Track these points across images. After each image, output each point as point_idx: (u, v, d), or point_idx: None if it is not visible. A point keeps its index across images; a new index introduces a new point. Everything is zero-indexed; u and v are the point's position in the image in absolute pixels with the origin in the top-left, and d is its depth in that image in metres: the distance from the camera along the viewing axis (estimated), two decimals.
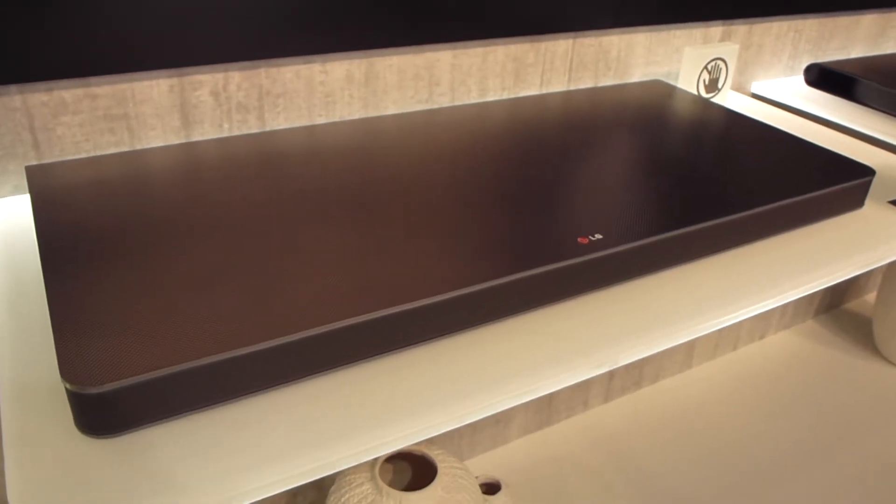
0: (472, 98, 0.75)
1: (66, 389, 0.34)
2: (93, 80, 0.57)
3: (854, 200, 0.62)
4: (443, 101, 0.74)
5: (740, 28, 0.90)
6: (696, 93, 0.82)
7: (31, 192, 0.50)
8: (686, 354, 1.16)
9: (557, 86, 0.80)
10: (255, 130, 0.65)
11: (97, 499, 0.33)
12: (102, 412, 0.35)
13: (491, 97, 0.76)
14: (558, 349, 0.44)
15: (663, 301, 0.49)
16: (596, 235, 0.50)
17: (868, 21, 1.02)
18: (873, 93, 0.87)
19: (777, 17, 0.92)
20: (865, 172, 0.61)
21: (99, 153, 0.59)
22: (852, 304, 1.35)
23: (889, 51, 1.08)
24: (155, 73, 0.59)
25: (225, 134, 0.64)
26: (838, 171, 0.61)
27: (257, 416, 0.37)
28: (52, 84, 0.56)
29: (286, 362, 0.39)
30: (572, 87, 0.81)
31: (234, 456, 0.35)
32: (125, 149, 0.60)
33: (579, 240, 0.49)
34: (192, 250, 0.45)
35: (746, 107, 0.87)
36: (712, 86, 0.83)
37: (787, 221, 0.58)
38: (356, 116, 0.70)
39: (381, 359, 0.42)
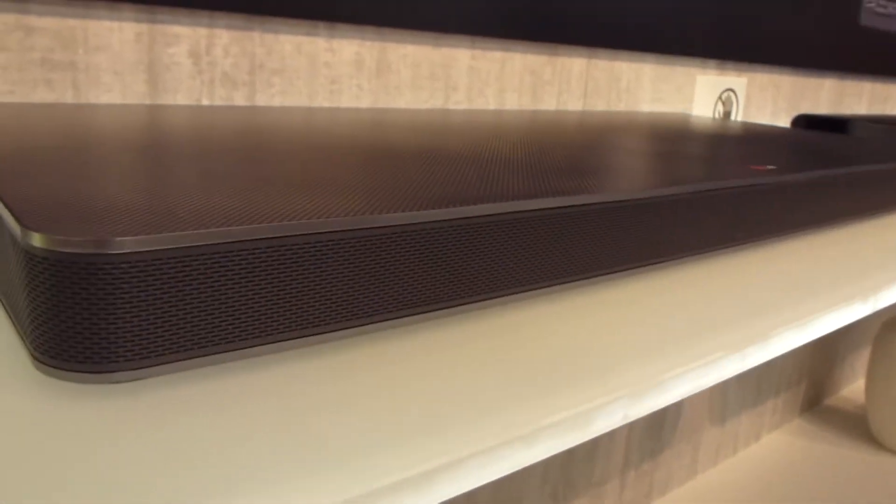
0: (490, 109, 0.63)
1: (35, 255, 0.15)
2: (32, 4, 0.40)
3: None
4: (459, 109, 0.61)
5: (731, 75, 0.85)
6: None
7: None
8: (692, 459, 1.00)
9: (573, 108, 0.70)
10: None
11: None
12: (116, 311, 0.16)
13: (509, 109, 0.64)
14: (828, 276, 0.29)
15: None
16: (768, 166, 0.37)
17: (829, 85, 1.02)
18: (865, 130, 0.83)
19: (761, 66, 0.89)
20: None
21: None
22: (832, 401, 1.27)
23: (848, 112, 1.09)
24: (119, 9, 0.43)
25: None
26: None
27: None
28: None
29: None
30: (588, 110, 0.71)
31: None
32: None
33: (752, 167, 0.36)
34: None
35: None
36: (726, 118, 0.76)
37: None
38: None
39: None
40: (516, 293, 0.22)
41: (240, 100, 0.49)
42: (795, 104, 0.98)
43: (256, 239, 0.17)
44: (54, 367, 0.16)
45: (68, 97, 0.42)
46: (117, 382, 0.16)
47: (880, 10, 1.05)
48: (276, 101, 0.50)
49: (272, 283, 0.17)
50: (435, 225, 0.20)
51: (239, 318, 0.17)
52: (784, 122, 0.97)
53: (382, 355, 0.19)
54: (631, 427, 0.88)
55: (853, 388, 1.35)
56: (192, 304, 0.16)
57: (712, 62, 0.82)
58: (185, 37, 0.46)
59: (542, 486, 0.79)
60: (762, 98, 0.91)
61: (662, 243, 0.27)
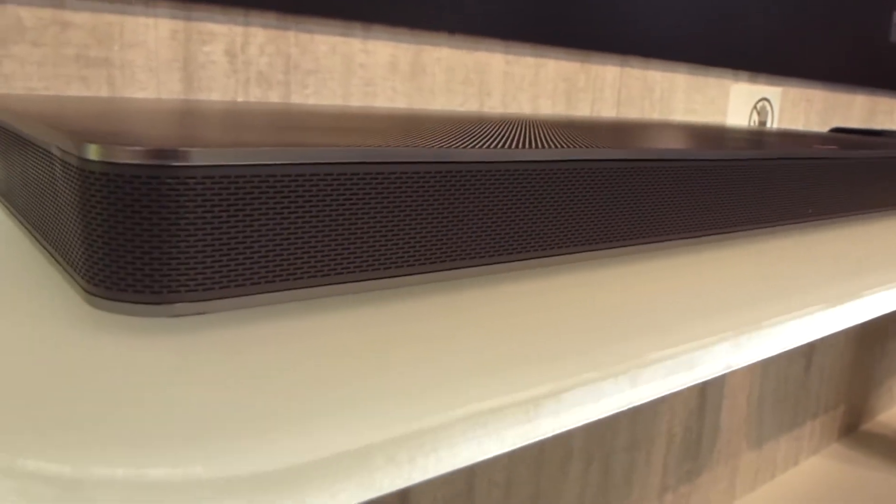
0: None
1: (90, 171, 0.14)
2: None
3: None
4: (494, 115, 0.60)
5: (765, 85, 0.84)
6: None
7: None
8: (729, 482, 0.97)
9: (608, 115, 0.69)
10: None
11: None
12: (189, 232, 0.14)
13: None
14: None
15: None
16: None
17: (860, 101, 1.01)
18: None
19: (793, 79, 0.88)
20: None
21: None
22: (869, 426, 1.23)
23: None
24: (155, 5, 0.43)
25: None
26: None
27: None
28: None
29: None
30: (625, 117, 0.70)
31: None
32: None
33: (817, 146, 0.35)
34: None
35: None
36: (762, 128, 0.75)
37: None
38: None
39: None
40: (629, 245, 0.21)
41: (274, 99, 0.48)
42: (827, 119, 0.96)
43: (340, 163, 0.15)
44: (108, 299, 0.14)
45: (103, 94, 0.42)
46: (178, 315, 0.15)
47: None
48: (311, 102, 0.50)
49: (356, 215, 0.16)
50: (571, 165, 0.18)
51: (315, 253, 0.16)
52: None
53: (486, 296, 0.17)
54: (668, 448, 0.85)
55: (891, 413, 1.31)
56: (263, 232, 0.15)
57: (744, 74, 0.81)
58: (220, 35, 0.45)
59: None
60: (794, 112, 0.90)
61: (763, 209, 0.26)
